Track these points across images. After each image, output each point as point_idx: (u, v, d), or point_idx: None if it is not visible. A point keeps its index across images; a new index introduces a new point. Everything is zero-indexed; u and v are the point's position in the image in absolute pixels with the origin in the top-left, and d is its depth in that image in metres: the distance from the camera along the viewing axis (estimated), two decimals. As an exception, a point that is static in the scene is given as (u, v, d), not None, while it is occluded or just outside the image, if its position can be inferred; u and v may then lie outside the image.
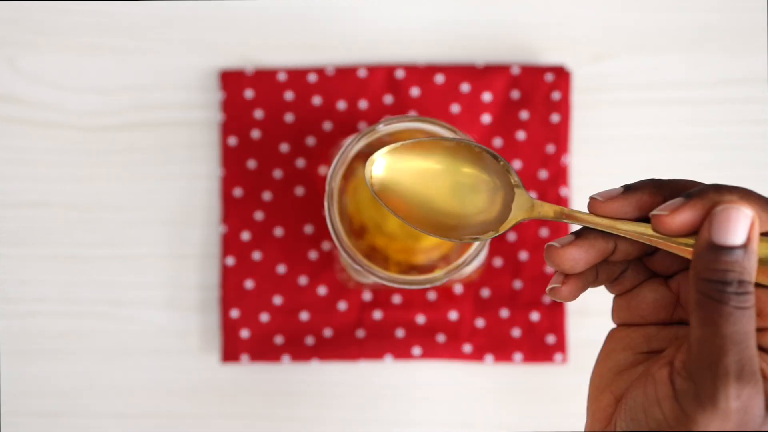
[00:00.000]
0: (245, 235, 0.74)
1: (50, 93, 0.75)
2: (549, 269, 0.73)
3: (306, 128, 0.74)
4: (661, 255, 0.47)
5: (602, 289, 0.76)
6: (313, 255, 0.74)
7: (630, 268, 0.48)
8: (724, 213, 0.42)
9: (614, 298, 0.49)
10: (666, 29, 0.75)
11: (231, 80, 0.74)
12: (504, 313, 0.74)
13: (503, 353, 0.73)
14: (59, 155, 0.75)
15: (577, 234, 0.46)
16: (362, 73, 0.74)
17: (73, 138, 0.75)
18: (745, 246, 0.42)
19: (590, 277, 0.47)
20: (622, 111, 0.75)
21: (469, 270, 0.69)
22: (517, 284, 0.74)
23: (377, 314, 0.74)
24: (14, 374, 0.75)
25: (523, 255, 0.74)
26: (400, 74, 0.74)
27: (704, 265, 0.42)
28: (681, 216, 0.44)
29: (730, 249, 0.42)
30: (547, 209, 0.48)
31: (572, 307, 0.74)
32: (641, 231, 0.45)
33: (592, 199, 0.46)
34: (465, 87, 0.74)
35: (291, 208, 0.74)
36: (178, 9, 0.75)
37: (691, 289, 0.42)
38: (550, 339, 0.73)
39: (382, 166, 0.49)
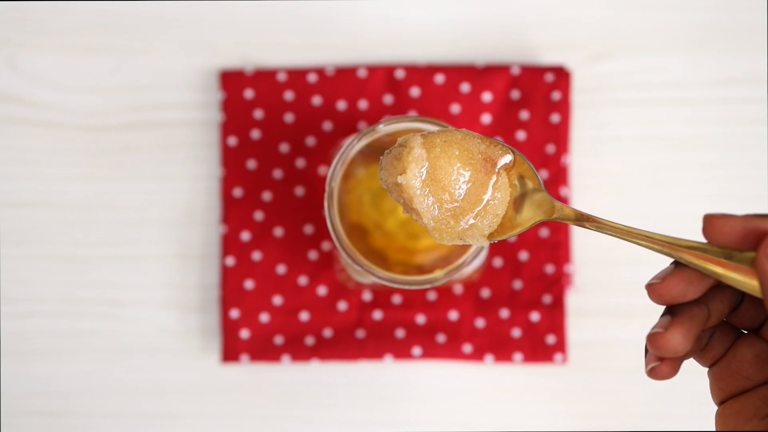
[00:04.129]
0: (245, 235, 0.74)
1: (50, 93, 0.75)
2: (549, 269, 0.73)
3: (306, 128, 0.74)
4: (745, 307, 0.45)
5: (601, 288, 0.76)
6: (313, 255, 0.74)
7: (716, 332, 0.46)
8: None
9: (710, 373, 0.46)
10: (666, 29, 0.75)
11: (231, 80, 0.74)
12: (504, 313, 0.74)
13: (503, 353, 0.73)
14: (59, 155, 0.75)
15: (673, 312, 0.44)
16: (362, 73, 0.74)
17: (72, 138, 0.75)
18: None
19: (691, 350, 0.46)
20: (622, 111, 0.75)
21: (469, 270, 0.69)
22: (517, 284, 0.74)
23: (377, 314, 0.74)
24: (14, 374, 0.75)
25: (523, 255, 0.74)
26: (400, 74, 0.74)
27: None
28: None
29: None
30: (568, 212, 0.47)
31: (572, 308, 0.74)
32: (695, 248, 0.43)
33: (649, 286, 0.45)
34: (465, 87, 0.74)
35: (291, 208, 0.74)
36: (178, 9, 0.75)
37: None
38: (550, 339, 0.73)
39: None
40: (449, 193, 0.50)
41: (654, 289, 0.44)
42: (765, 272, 0.41)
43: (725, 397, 0.46)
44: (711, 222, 0.43)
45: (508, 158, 0.50)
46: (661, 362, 0.45)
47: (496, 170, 0.50)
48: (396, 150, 0.50)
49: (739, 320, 0.46)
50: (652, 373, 0.45)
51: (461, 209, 0.50)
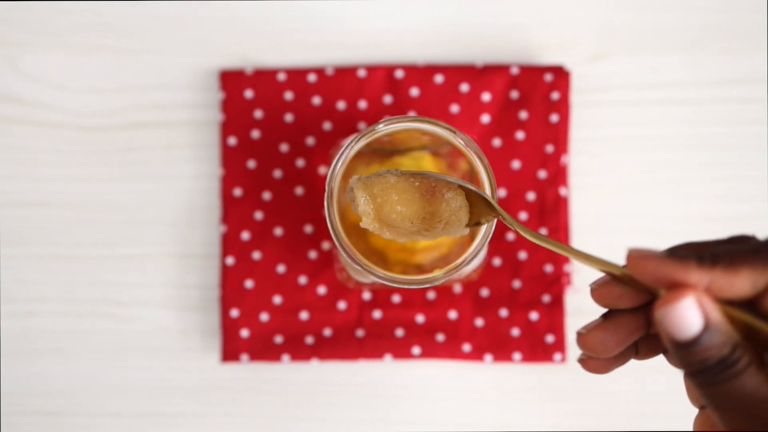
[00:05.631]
0: (245, 235, 0.74)
1: (50, 93, 0.75)
2: (548, 269, 0.74)
3: (306, 128, 0.74)
4: None
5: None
6: (312, 255, 0.74)
7: None
8: (667, 316, 0.40)
9: (684, 377, 0.46)
10: (666, 29, 0.75)
11: (231, 80, 0.74)
12: (503, 312, 0.74)
13: (503, 353, 0.73)
14: (59, 155, 0.75)
15: (605, 315, 0.45)
16: (362, 73, 0.74)
17: (73, 138, 0.75)
18: (706, 327, 0.40)
19: (628, 353, 0.46)
20: (621, 111, 0.75)
21: (468, 270, 0.69)
22: (517, 284, 0.74)
23: (377, 314, 0.74)
24: (14, 374, 0.75)
25: (523, 255, 0.74)
26: (399, 74, 0.74)
27: (684, 364, 0.41)
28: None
29: (695, 339, 0.40)
30: (510, 221, 0.51)
31: (572, 307, 0.74)
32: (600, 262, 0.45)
33: (591, 289, 0.46)
34: (464, 87, 0.74)
35: (291, 208, 0.74)
36: (178, 9, 0.75)
37: (692, 384, 0.41)
38: (550, 338, 0.73)
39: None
40: (404, 228, 0.55)
41: (592, 293, 0.46)
42: (659, 324, 0.41)
43: (699, 403, 0.46)
44: (630, 260, 0.42)
45: (448, 192, 0.54)
46: (588, 357, 0.46)
47: (443, 194, 0.54)
48: (350, 195, 0.55)
49: None
50: (582, 363, 0.47)
51: (425, 232, 0.55)
